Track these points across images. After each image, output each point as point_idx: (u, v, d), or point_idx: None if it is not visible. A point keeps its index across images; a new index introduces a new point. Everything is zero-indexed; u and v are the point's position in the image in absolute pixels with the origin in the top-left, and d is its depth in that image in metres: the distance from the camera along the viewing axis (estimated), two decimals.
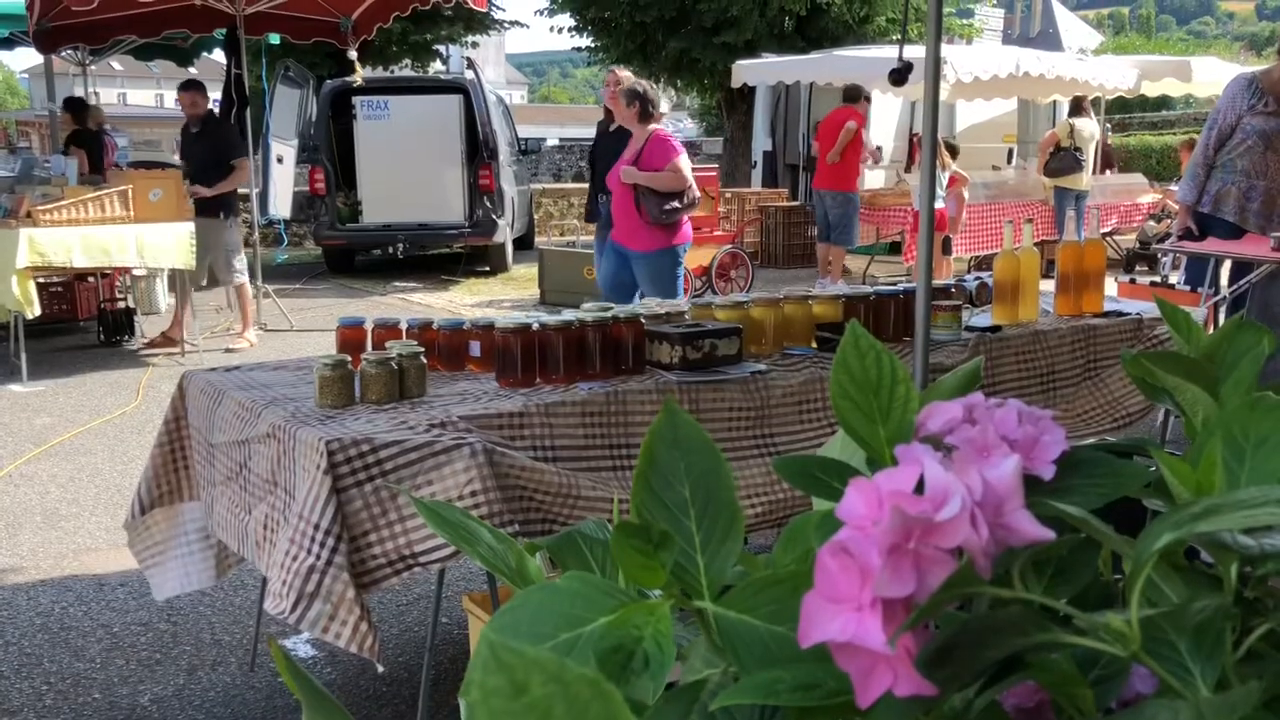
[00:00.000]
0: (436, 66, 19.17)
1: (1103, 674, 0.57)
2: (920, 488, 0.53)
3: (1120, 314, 3.63)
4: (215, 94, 8.41)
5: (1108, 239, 10.36)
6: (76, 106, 9.07)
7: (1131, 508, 0.78)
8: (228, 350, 7.46)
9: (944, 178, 8.82)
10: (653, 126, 5.57)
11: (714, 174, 9.77)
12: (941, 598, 0.46)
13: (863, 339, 0.72)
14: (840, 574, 0.46)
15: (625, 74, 6.37)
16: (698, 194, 5.73)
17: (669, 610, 0.60)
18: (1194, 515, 0.47)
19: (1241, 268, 5.26)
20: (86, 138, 9.05)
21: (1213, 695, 0.45)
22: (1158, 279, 7.07)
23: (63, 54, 9.69)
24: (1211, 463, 0.52)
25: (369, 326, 2.88)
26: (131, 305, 8.23)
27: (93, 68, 10.35)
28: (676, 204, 5.57)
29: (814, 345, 3.08)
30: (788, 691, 0.54)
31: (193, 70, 12.80)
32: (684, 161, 5.57)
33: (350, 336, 2.83)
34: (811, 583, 0.52)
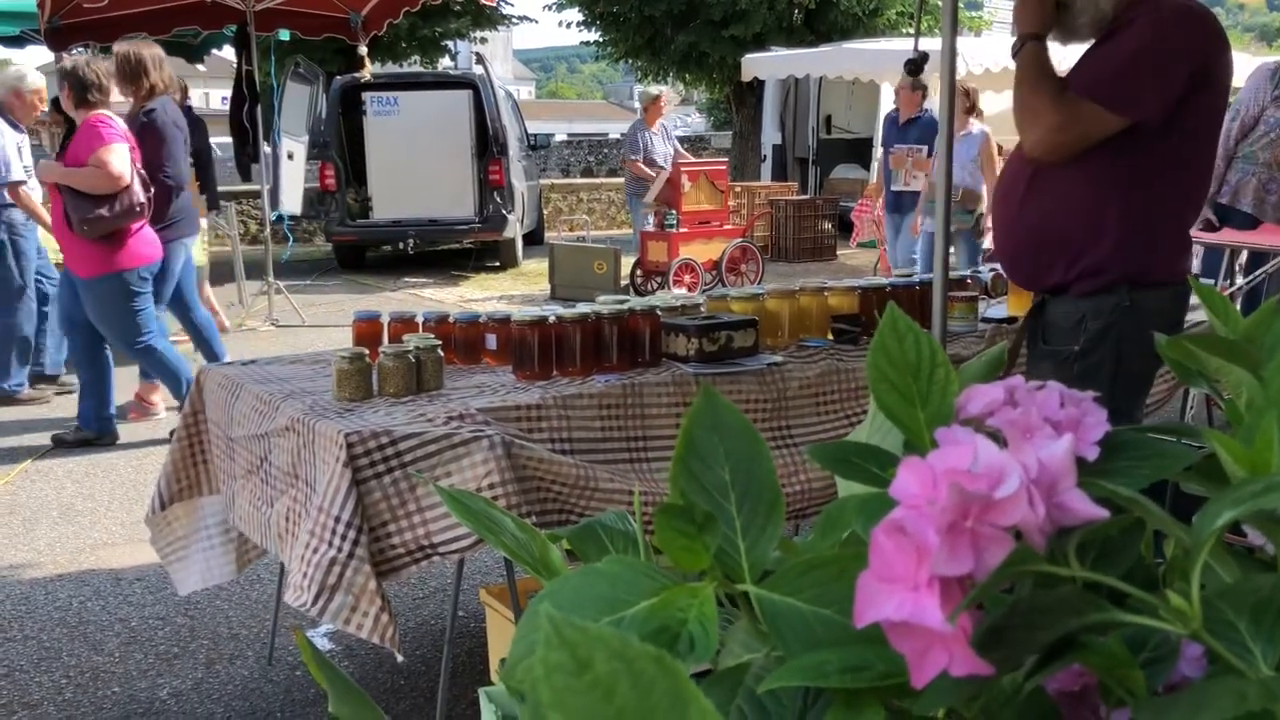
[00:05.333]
0: (445, 62, 19.20)
1: (1151, 656, 0.57)
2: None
3: None
4: (226, 91, 8.44)
5: None
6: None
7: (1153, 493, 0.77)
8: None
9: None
10: (98, 111, 4.46)
11: (724, 168, 9.76)
12: (1000, 576, 0.46)
13: (901, 321, 0.72)
14: (896, 553, 0.46)
15: (124, 48, 4.95)
16: (141, 199, 4.45)
17: (712, 593, 0.59)
18: (1254, 493, 0.47)
19: (1257, 258, 5.23)
20: None
21: (1275, 674, 0.44)
22: None
23: (73, 52, 9.71)
24: (1267, 441, 0.52)
25: (385, 320, 2.88)
26: None
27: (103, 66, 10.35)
28: (103, 211, 4.32)
29: (830, 337, 3.07)
30: (836, 673, 0.53)
31: (201, 68, 12.81)
32: (115, 154, 4.33)
33: (366, 330, 2.84)
34: (857, 565, 0.51)
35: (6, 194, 5.68)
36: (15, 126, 5.75)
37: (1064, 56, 2.41)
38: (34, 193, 5.79)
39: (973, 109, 7.13)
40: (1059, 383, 2.25)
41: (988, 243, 6.97)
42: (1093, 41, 2.45)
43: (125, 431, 5.49)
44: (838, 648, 0.55)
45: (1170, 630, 0.47)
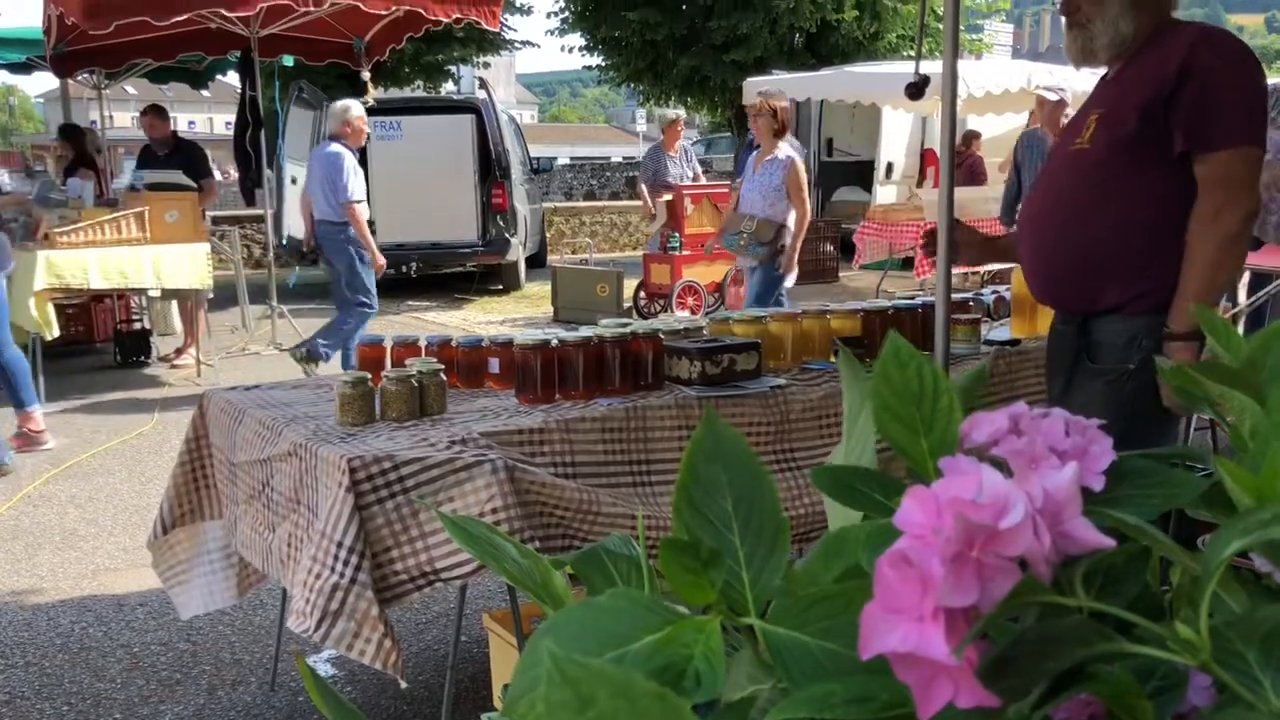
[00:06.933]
0: (448, 87, 19.29)
1: (1160, 685, 0.56)
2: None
3: None
4: (230, 116, 8.49)
5: None
6: (73, 133, 9.05)
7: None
8: (173, 367, 7.66)
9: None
10: None
11: (726, 190, 9.78)
12: (1006, 607, 0.46)
13: (903, 350, 0.71)
14: (901, 584, 0.46)
15: None
16: None
17: (718, 628, 0.59)
18: (1262, 522, 0.46)
19: (1260, 280, 5.23)
20: (89, 164, 8.94)
21: None
22: None
23: (78, 78, 9.77)
24: (1274, 469, 0.52)
25: (388, 344, 2.88)
26: (147, 326, 8.28)
27: (107, 92, 10.43)
28: None
29: (832, 359, 3.07)
30: (842, 705, 0.53)
31: (205, 93, 12.88)
32: None
33: (369, 354, 2.84)
34: (863, 598, 0.51)
35: (351, 211, 6.44)
36: (351, 151, 6.54)
37: (1065, 77, 2.42)
38: (364, 211, 6.56)
39: (781, 131, 6.12)
40: (1110, 401, 2.19)
41: (791, 281, 6.23)
42: (1106, 67, 2.47)
43: (129, 457, 5.49)
44: (843, 679, 0.55)
45: (1178, 661, 0.47)
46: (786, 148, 6.18)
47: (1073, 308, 2.48)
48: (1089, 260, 2.38)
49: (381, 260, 6.72)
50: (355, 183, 6.44)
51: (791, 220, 6.09)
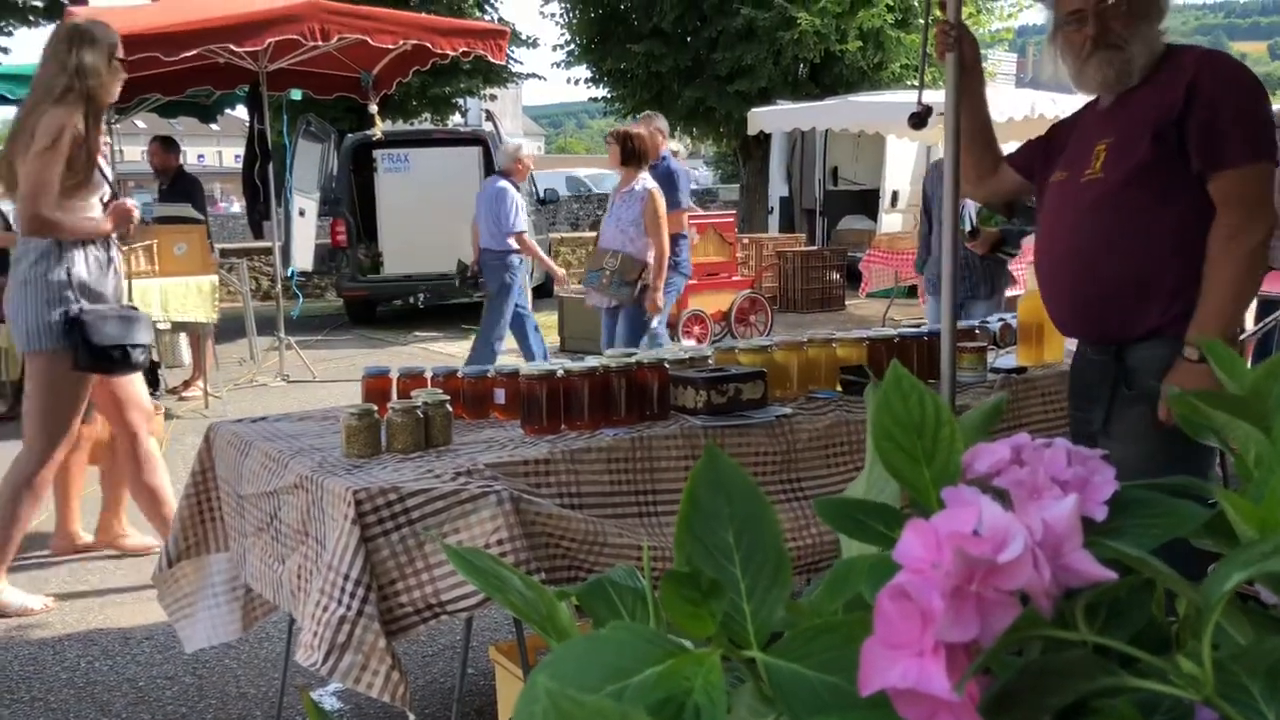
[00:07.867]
0: (455, 119, 19.41)
1: (1164, 719, 0.56)
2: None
3: None
4: (239, 149, 8.58)
5: None
6: None
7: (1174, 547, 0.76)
8: (180, 399, 7.73)
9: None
10: None
11: (731, 220, 9.82)
12: (1006, 641, 0.45)
13: (905, 379, 0.71)
14: (900, 619, 0.45)
15: None
16: None
17: (719, 661, 0.59)
18: (1264, 554, 0.46)
19: (1266, 305, 5.22)
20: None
21: None
22: None
23: None
24: (1276, 499, 0.51)
25: (394, 376, 2.89)
26: (155, 359, 8.31)
27: (117, 126, 10.52)
28: None
29: (838, 388, 3.07)
30: None
31: (214, 127, 12.98)
32: None
33: (375, 386, 2.84)
34: (866, 632, 0.51)
35: (513, 241, 7.04)
36: (516, 187, 7.20)
37: (1069, 106, 2.43)
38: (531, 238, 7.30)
39: (636, 159, 5.74)
40: (1154, 424, 2.20)
41: (658, 322, 5.92)
42: (1097, 96, 2.48)
43: None
44: (845, 713, 0.54)
45: (1180, 695, 0.46)
46: (646, 179, 5.79)
47: (1109, 338, 2.47)
48: (1125, 289, 2.38)
49: (560, 272, 7.80)
50: (520, 216, 7.08)
51: (653, 257, 5.73)
